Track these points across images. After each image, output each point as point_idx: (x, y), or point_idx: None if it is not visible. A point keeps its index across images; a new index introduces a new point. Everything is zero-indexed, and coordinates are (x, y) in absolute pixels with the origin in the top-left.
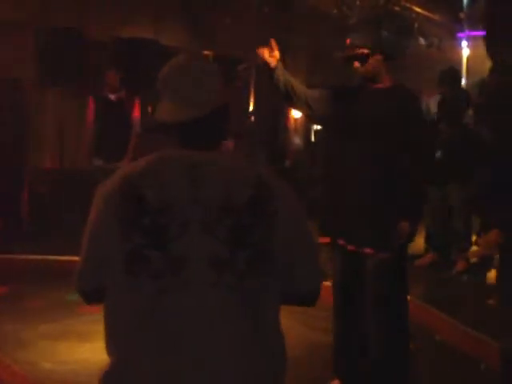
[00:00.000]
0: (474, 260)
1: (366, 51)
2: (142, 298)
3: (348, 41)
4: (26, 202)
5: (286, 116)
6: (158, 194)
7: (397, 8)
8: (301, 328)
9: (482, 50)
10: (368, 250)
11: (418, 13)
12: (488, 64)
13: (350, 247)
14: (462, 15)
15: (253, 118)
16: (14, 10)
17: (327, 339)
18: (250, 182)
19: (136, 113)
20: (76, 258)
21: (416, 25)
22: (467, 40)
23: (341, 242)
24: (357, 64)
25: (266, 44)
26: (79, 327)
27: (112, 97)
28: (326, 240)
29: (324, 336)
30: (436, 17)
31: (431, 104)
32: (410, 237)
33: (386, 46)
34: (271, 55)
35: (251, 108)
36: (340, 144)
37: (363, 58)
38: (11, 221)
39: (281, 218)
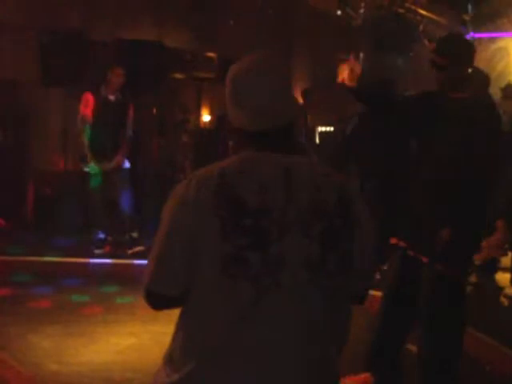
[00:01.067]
0: (478, 262)
1: (446, 62)
2: (239, 300)
3: (432, 47)
4: (31, 203)
5: None
6: (256, 195)
7: (401, 10)
8: None
9: (486, 51)
10: (424, 259)
11: (422, 15)
12: (492, 66)
13: (410, 252)
14: (466, 17)
15: None
16: (17, 12)
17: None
18: (337, 186)
19: (130, 115)
20: (81, 260)
21: (421, 27)
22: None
23: (402, 244)
24: (435, 71)
25: (270, 46)
26: (84, 328)
27: (111, 97)
28: (393, 241)
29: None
30: (441, 19)
31: None
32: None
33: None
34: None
35: None
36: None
37: (442, 67)
38: (16, 222)
39: (360, 224)
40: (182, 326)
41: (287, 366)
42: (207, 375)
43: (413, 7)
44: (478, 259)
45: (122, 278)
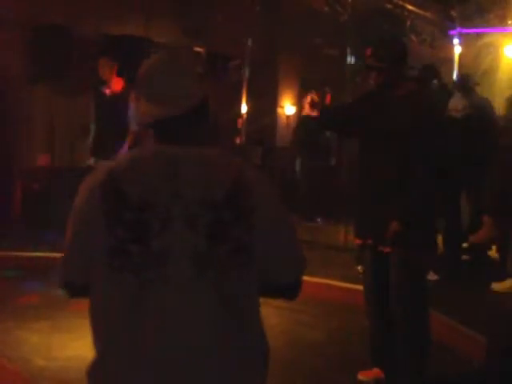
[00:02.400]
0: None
1: (382, 65)
2: (124, 292)
3: (368, 52)
4: (18, 199)
5: (278, 113)
6: (138, 190)
7: (389, 6)
8: (290, 325)
9: (473, 47)
10: (386, 249)
11: (410, 10)
12: (479, 61)
13: (378, 248)
14: (453, 13)
15: (243, 117)
16: (2, 7)
17: (314, 335)
18: (229, 177)
19: (132, 107)
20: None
21: (408, 22)
22: (459, 37)
23: (370, 242)
24: (374, 75)
25: (258, 41)
26: (71, 324)
27: (107, 91)
28: (359, 242)
29: (310, 332)
30: (428, 14)
31: None
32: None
33: (400, 61)
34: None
35: (243, 105)
36: (366, 150)
37: (380, 69)
38: (3, 218)
39: (260, 214)
40: (89, 313)
41: (177, 363)
42: (107, 366)
43: (400, 2)
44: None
45: None
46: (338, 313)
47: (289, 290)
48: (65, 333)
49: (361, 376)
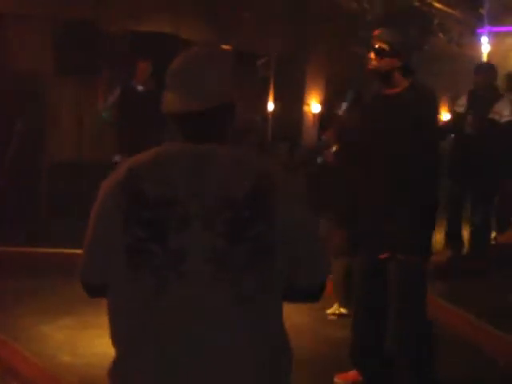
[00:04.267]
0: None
1: (385, 48)
2: (142, 291)
3: (376, 32)
4: (46, 192)
5: (304, 111)
6: (158, 188)
7: (417, 3)
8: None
9: (502, 45)
10: (385, 254)
11: (438, 8)
12: (508, 60)
13: (372, 250)
14: (482, 11)
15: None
16: (32, 2)
17: (337, 333)
18: (250, 175)
19: None
20: None
21: (436, 21)
22: (488, 36)
23: (366, 245)
24: (372, 56)
25: (285, 39)
26: (98, 320)
27: (140, 88)
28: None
29: (334, 329)
30: (456, 12)
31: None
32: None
33: (404, 52)
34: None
35: (270, 103)
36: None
37: (381, 53)
38: (29, 213)
39: (282, 213)
40: (107, 312)
41: (192, 362)
42: (125, 364)
43: (428, 0)
44: None
45: None
46: None
47: (312, 292)
48: (91, 329)
49: (338, 379)
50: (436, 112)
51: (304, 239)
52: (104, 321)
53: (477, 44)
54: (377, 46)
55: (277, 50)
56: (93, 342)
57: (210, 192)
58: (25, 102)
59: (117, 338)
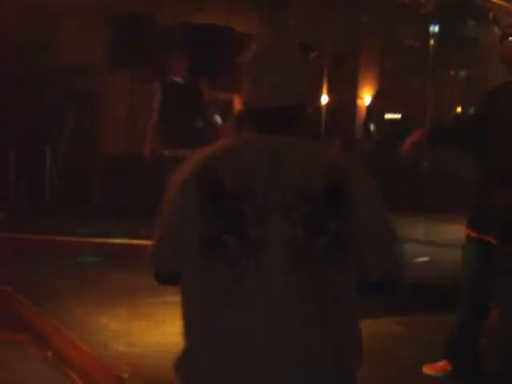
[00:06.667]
0: None
1: None
2: (218, 283)
3: None
4: (99, 186)
5: (357, 105)
6: (236, 179)
7: None
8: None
9: None
10: (494, 241)
11: (493, 2)
12: None
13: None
14: None
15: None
16: None
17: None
18: (327, 168)
19: (204, 99)
20: (149, 242)
21: (491, 14)
22: None
23: (474, 234)
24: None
25: (339, 31)
26: (151, 311)
27: (178, 80)
28: (474, 234)
29: (394, 326)
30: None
31: None
32: None
33: None
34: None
35: (323, 97)
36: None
37: None
38: (84, 204)
39: (358, 208)
40: (180, 303)
41: (266, 358)
42: (197, 360)
43: None
44: None
45: None
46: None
47: (386, 286)
48: (144, 319)
49: (427, 369)
50: None
51: (379, 233)
52: (156, 312)
53: None
54: None
55: (330, 43)
56: (145, 332)
57: (289, 184)
58: (77, 98)
59: (188, 331)
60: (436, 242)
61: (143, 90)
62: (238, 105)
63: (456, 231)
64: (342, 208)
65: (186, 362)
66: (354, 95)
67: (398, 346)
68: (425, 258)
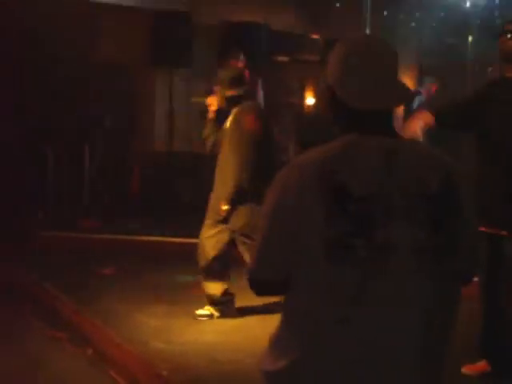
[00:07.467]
0: None
1: None
2: (341, 287)
3: None
4: (137, 184)
5: None
6: (358, 181)
7: None
8: None
9: None
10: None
11: None
12: None
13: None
14: None
15: None
16: None
17: None
18: (440, 168)
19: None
20: (188, 241)
21: None
22: None
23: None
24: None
25: (375, 28)
26: (190, 309)
27: None
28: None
29: None
30: None
31: None
32: None
33: None
34: None
35: None
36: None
37: None
38: (120, 202)
39: (463, 205)
40: (285, 312)
41: (388, 362)
42: (311, 366)
43: None
44: None
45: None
46: None
47: (468, 277)
48: (182, 317)
49: (466, 370)
50: None
51: (473, 234)
52: (193, 309)
53: None
54: None
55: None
56: (184, 329)
57: (409, 185)
58: (116, 96)
59: (298, 337)
60: None
61: (182, 88)
62: (213, 106)
63: None
64: (455, 208)
65: (296, 369)
66: None
67: None
68: None
